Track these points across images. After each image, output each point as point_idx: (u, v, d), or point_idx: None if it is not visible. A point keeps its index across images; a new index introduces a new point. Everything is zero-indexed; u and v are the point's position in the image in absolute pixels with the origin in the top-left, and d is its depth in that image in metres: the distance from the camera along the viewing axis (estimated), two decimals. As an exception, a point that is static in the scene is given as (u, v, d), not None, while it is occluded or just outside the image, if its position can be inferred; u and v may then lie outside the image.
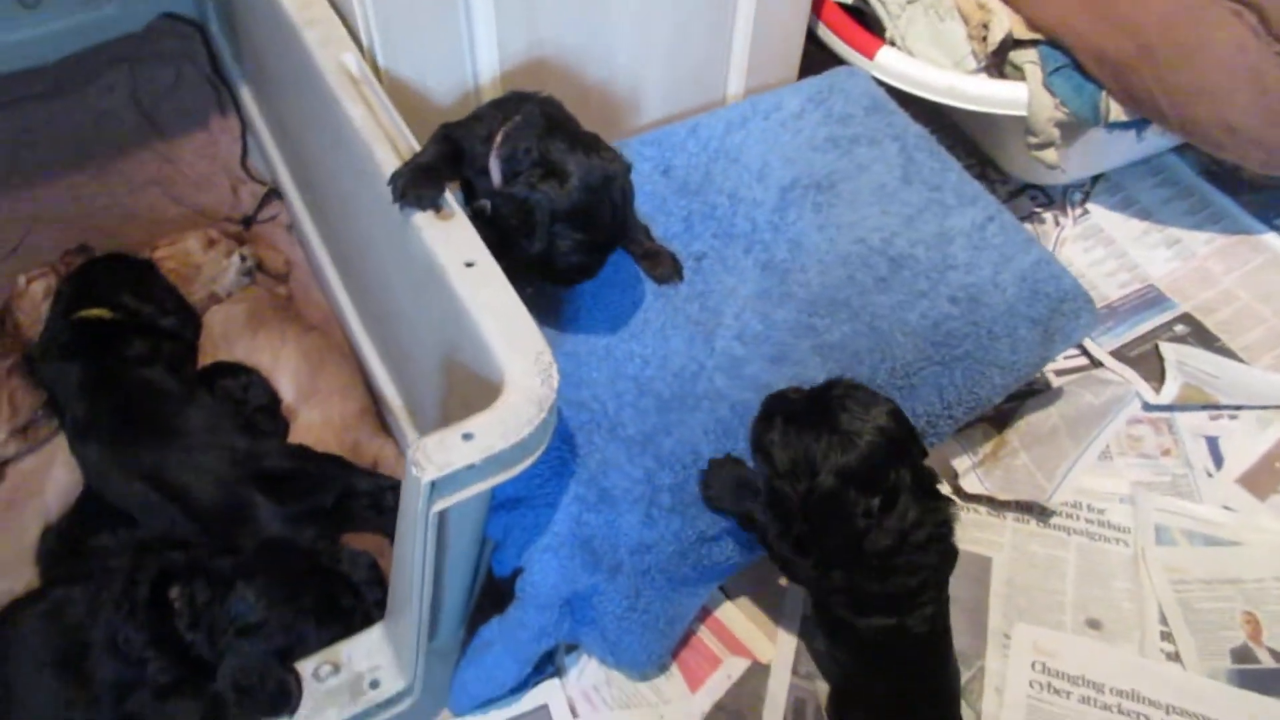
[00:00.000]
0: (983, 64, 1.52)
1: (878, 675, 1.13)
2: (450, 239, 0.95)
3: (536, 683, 1.23)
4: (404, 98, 1.19)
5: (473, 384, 0.94)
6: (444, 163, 1.04)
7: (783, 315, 1.19)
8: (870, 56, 1.53)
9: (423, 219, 0.97)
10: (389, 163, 1.01)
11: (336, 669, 1.07)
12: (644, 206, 1.29)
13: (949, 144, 1.82)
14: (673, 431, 1.10)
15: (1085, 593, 1.34)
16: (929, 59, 1.52)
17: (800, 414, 1.01)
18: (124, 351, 1.29)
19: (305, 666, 1.06)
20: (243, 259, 1.45)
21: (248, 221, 1.61)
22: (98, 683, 1.06)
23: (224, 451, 1.21)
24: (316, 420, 1.33)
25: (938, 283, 1.23)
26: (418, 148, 1.04)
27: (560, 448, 1.06)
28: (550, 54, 1.30)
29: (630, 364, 1.14)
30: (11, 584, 1.16)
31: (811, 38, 1.58)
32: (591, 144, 1.08)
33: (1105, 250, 1.73)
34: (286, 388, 1.37)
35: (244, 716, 1.03)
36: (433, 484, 0.81)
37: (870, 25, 1.58)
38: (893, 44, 1.55)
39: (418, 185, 0.98)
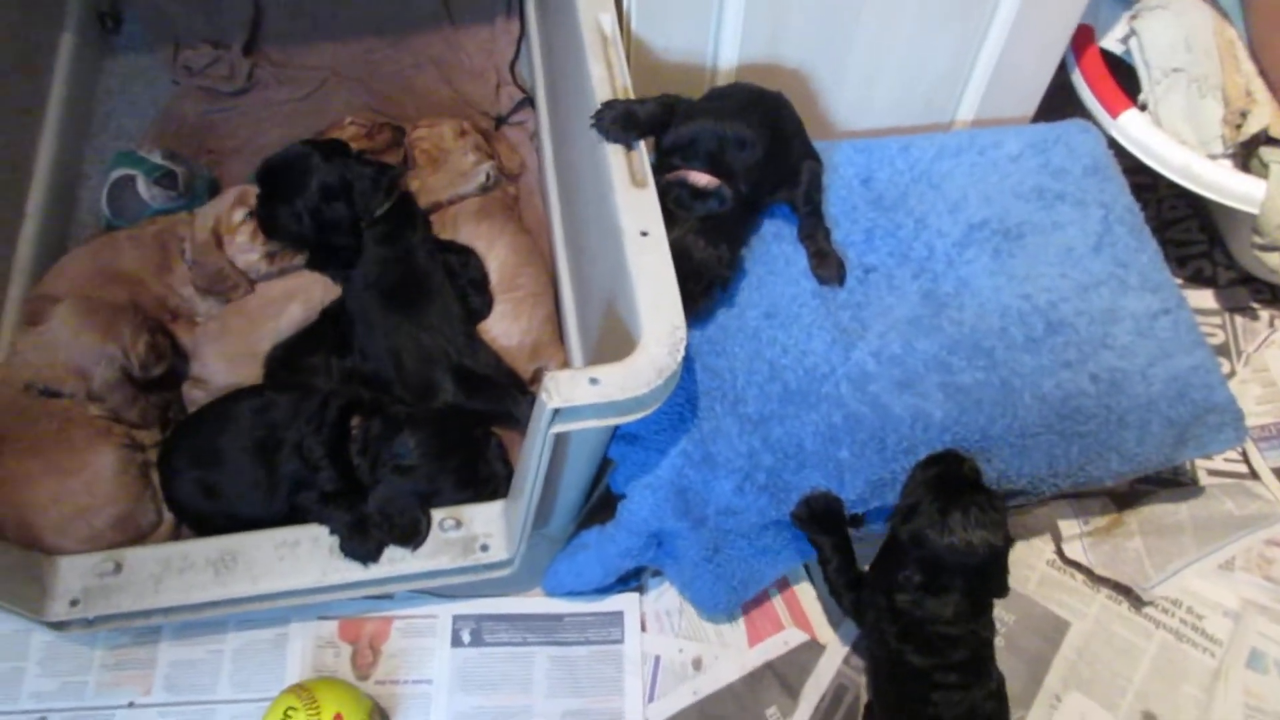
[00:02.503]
0: (1229, 150, 1.48)
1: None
2: (635, 206, 1.08)
3: (620, 591, 1.39)
4: (646, 60, 1.32)
5: (620, 333, 1.09)
6: (651, 120, 1.18)
7: (924, 346, 1.25)
8: (1114, 115, 1.52)
9: (620, 182, 1.10)
10: (611, 118, 1.15)
11: (459, 525, 1.27)
12: (834, 210, 1.37)
13: (1186, 213, 1.79)
14: (786, 422, 1.20)
15: (1151, 687, 1.36)
16: (1175, 132, 1.49)
17: (948, 480, 1.13)
18: (414, 235, 1.48)
19: (436, 515, 1.27)
20: (488, 176, 1.60)
21: (500, 120, 1.80)
22: (281, 473, 1.29)
23: (444, 343, 1.40)
24: (508, 313, 1.50)
25: (1087, 358, 1.26)
26: (640, 116, 1.17)
27: (683, 405, 1.20)
28: (786, 54, 1.39)
29: (771, 349, 1.25)
30: (240, 377, 1.42)
31: (1058, 77, 1.57)
32: (718, 237, 1.20)
33: (1314, 364, 1.66)
34: (491, 274, 1.52)
35: (380, 536, 1.24)
36: (555, 411, 0.96)
37: (1124, 80, 1.55)
38: (1143, 108, 1.53)
39: (619, 123, 1.13)
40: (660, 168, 1.24)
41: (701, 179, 1.23)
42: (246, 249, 1.47)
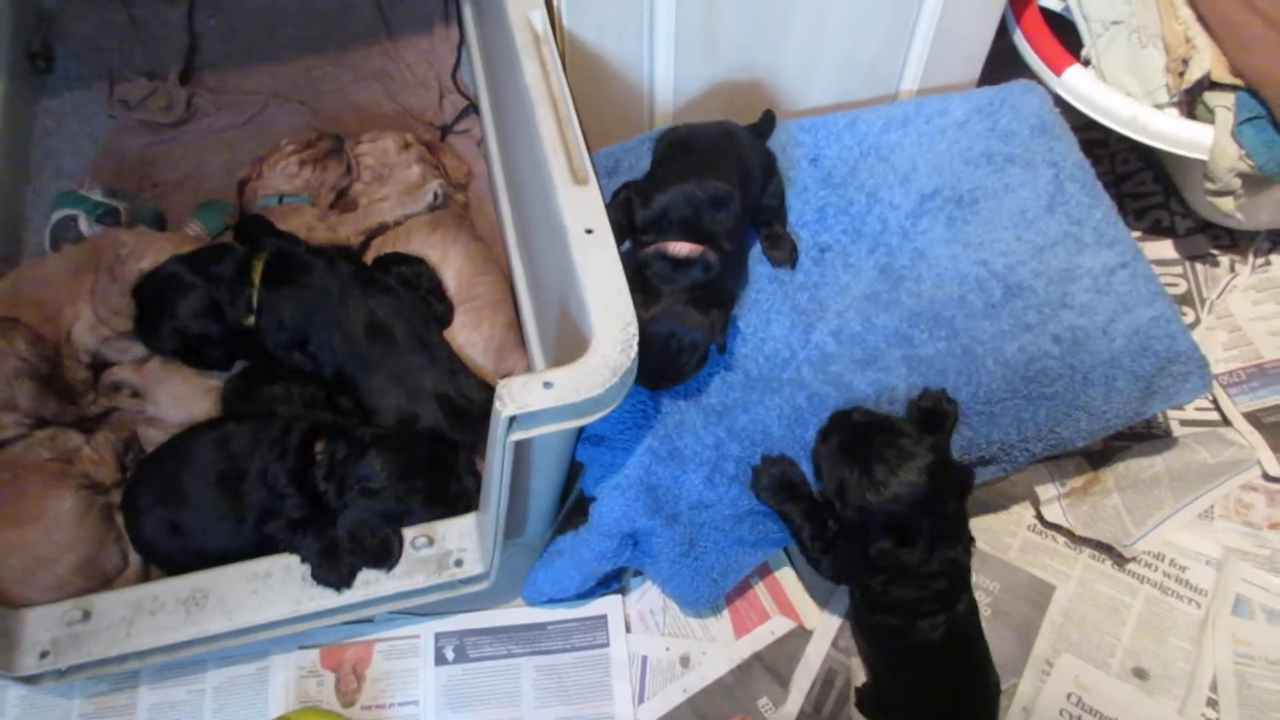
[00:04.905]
0: (1175, 99, 1.47)
1: (895, 670, 1.22)
2: (578, 204, 1.06)
3: (601, 594, 1.38)
4: (582, 57, 1.30)
5: (574, 333, 1.07)
6: (622, 223, 1.17)
7: (884, 321, 1.24)
8: (1058, 73, 1.51)
9: (561, 180, 1.08)
10: (548, 122, 1.13)
11: (431, 542, 1.25)
12: (784, 190, 1.36)
13: (1140, 166, 1.79)
14: (750, 409, 1.19)
15: (1140, 642, 1.36)
16: (1120, 85, 1.49)
17: (850, 442, 1.11)
18: (314, 278, 1.40)
19: (408, 534, 1.25)
20: (435, 195, 1.56)
21: (445, 130, 1.78)
22: (247, 504, 1.26)
23: (430, 373, 1.37)
24: (469, 322, 1.48)
25: (1048, 319, 1.25)
26: (575, 114, 1.15)
27: (645, 402, 1.18)
28: (724, 39, 1.37)
29: (729, 338, 1.23)
30: (195, 414, 1.39)
31: (1000, 40, 1.56)
32: (707, 303, 1.14)
33: (1277, 306, 1.66)
34: (449, 285, 1.50)
35: (351, 560, 1.22)
36: (511, 419, 0.95)
37: (1066, 37, 1.55)
38: (1086, 63, 1.52)
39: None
40: (636, 244, 1.20)
41: (682, 249, 1.15)
42: None
